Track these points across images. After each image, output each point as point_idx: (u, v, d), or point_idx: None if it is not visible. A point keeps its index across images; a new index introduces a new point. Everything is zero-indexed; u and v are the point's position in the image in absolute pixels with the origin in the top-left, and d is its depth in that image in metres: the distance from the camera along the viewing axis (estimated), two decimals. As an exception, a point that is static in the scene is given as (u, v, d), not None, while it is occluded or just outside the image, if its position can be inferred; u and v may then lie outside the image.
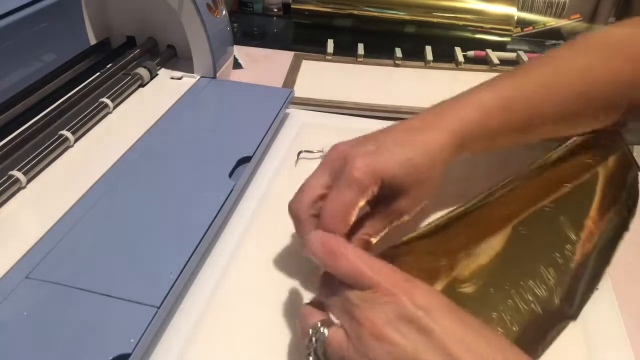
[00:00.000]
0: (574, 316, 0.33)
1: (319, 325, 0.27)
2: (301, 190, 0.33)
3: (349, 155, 0.31)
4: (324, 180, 0.32)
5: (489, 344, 0.25)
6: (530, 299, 0.33)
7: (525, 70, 0.38)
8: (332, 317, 0.28)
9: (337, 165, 0.32)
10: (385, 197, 0.32)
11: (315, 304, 0.30)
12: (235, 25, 0.82)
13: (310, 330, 0.27)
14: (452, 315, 0.25)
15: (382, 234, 0.33)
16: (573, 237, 0.36)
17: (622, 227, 0.37)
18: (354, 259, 0.27)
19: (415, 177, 0.32)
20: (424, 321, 0.24)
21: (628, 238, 0.42)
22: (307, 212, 0.31)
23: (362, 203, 0.31)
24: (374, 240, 0.33)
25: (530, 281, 0.33)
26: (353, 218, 0.31)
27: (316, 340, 0.27)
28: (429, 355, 0.24)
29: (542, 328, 0.32)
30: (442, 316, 0.25)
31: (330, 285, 0.28)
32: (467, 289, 0.33)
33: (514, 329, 0.31)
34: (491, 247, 0.35)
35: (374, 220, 0.32)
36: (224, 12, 0.54)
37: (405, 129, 0.33)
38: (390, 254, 0.33)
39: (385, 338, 0.24)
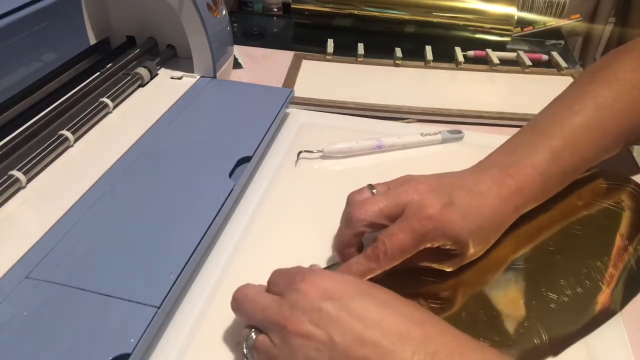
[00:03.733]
0: (555, 353, 0.32)
1: (251, 332, 0.28)
2: (365, 205, 0.33)
3: (423, 199, 0.32)
4: (389, 209, 0.33)
5: (407, 319, 0.26)
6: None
7: (572, 112, 0.39)
8: None
9: (405, 199, 0.33)
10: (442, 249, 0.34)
11: None
12: (235, 25, 0.82)
13: (243, 337, 0.28)
14: (365, 298, 0.27)
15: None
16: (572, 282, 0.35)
17: (632, 290, 0.35)
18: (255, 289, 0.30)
19: (482, 244, 0.35)
20: (332, 309, 0.26)
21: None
22: (363, 224, 0.33)
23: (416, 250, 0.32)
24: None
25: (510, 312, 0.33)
26: (404, 258, 0.32)
27: (246, 347, 0.28)
28: (342, 338, 0.25)
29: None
30: (353, 300, 0.26)
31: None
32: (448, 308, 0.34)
33: None
34: (484, 278, 0.36)
35: (431, 258, 0.35)
36: (224, 12, 0.54)
37: (475, 191, 0.34)
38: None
39: (304, 334, 0.25)
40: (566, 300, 0.34)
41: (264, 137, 0.45)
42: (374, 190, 0.35)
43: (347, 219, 0.33)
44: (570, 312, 0.34)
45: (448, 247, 0.33)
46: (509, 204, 0.35)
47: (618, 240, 0.38)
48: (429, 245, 0.32)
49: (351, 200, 0.35)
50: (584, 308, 0.34)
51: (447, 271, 0.35)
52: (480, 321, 0.33)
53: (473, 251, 0.34)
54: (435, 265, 0.35)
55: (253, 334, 0.28)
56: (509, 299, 0.34)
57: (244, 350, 0.28)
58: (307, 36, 0.79)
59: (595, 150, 0.38)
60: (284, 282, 0.29)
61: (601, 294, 0.35)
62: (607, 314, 0.34)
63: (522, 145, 0.38)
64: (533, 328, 0.33)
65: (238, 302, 0.30)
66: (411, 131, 0.51)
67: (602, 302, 0.34)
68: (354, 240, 0.34)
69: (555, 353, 0.31)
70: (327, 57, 0.68)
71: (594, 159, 0.39)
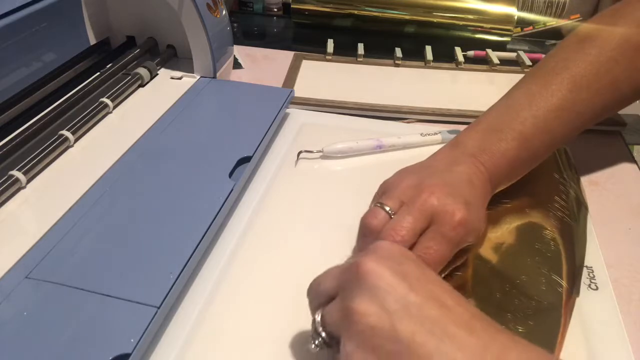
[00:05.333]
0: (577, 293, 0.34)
1: (317, 312, 0.27)
2: (396, 230, 0.31)
3: (447, 206, 0.32)
4: (421, 226, 0.32)
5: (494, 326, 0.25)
6: None
7: (543, 95, 0.38)
8: None
9: (430, 209, 0.32)
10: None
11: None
12: (235, 25, 0.82)
13: (312, 327, 0.27)
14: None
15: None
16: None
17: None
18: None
19: (484, 227, 0.35)
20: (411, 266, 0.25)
21: (629, 236, 0.42)
22: None
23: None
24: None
25: None
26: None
27: (314, 332, 0.27)
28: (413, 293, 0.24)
29: None
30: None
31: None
32: None
33: None
34: None
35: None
36: (224, 12, 0.54)
37: (466, 181, 0.34)
38: None
39: (378, 274, 0.24)
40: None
41: (264, 137, 0.45)
42: (387, 208, 0.33)
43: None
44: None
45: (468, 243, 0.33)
46: (487, 189, 0.36)
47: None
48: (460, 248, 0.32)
49: (372, 227, 0.32)
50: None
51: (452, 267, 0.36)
52: (513, 294, 0.34)
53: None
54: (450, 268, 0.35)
55: (318, 314, 0.27)
56: (517, 265, 0.36)
57: (313, 334, 0.27)
58: (307, 36, 0.79)
59: (567, 133, 0.39)
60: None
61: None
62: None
63: (493, 128, 0.38)
64: (549, 280, 0.34)
65: (315, 279, 0.29)
66: (411, 131, 0.51)
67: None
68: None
69: (577, 294, 0.35)
70: (327, 57, 0.68)
71: (564, 141, 0.39)
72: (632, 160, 0.51)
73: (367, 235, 0.33)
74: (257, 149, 0.44)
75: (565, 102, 0.37)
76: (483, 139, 0.37)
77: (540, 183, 0.43)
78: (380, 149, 0.49)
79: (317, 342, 0.27)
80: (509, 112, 0.38)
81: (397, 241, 0.30)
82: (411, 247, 0.31)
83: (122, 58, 0.54)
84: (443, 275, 0.34)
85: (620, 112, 0.54)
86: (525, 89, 0.39)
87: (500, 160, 0.36)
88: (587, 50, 0.39)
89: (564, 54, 0.40)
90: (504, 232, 0.39)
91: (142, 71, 0.53)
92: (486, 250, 0.37)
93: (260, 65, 0.68)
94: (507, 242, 0.38)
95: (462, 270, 0.36)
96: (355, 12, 0.76)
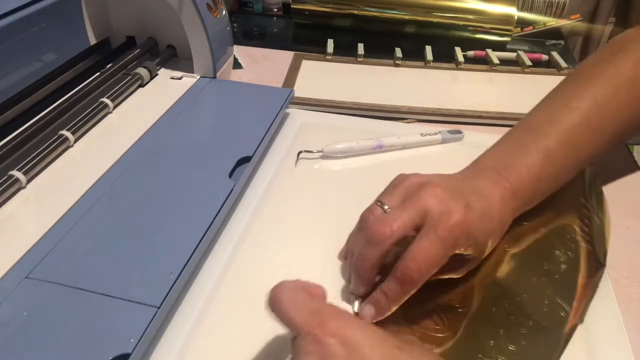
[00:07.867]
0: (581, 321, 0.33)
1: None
2: (388, 221, 0.31)
3: (445, 205, 0.31)
4: (413, 220, 0.31)
5: None
6: None
7: (567, 111, 0.38)
8: None
9: (425, 206, 0.31)
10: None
11: None
12: (235, 25, 0.82)
13: None
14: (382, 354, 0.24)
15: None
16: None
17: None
18: (285, 304, 0.26)
19: (493, 245, 0.34)
20: None
21: (628, 236, 0.42)
22: (391, 241, 0.31)
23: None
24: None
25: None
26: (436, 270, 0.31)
27: None
28: None
29: None
30: (372, 355, 0.24)
31: None
32: None
33: None
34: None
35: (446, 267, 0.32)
36: (224, 12, 0.54)
37: (483, 194, 0.33)
38: None
39: None
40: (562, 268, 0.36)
41: (264, 137, 0.45)
42: (386, 207, 0.32)
43: (371, 239, 0.31)
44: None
45: (466, 252, 0.32)
46: (508, 206, 0.34)
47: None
48: (456, 252, 0.31)
49: (368, 219, 0.32)
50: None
51: (454, 278, 0.35)
52: (509, 311, 0.34)
53: (487, 253, 0.34)
54: (445, 275, 0.34)
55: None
56: (520, 282, 0.35)
57: None
58: (307, 36, 0.79)
59: (590, 150, 0.38)
60: (303, 316, 0.26)
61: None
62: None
63: (516, 144, 0.37)
64: (552, 302, 0.34)
65: (274, 302, 0.27)
66: (411, 131, 0.51)
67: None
68: (380, 260, 0.31)
69: (581, 321, 0.33)
70: (327, 57, 0.68)
71: (589, 159, 0.39)
72: (632, 160, 0.51)
73: (362, 229, 0.33)
74: (257, 149, 0.44)
75: (586, 119, 0.37)
76: (507, 155, 0.36)
77: (564, 205, 0.41)
78: (380, 149, 0.49)
79: None
80: (531, 129, 0.38)
81: (386, 232, 0.30)
82: (405, 245, 0.31)
83: (122, 58, 0.54)
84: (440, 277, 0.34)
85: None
86: (544, 109, 0.39)
87: (526, 175, 0.35)
88: (605, 71, 0.39)
89: (579, 76, 0.40)
90: (513, 247, 0.38)
91: (142, 71, 0.53)
92: (490, 264, 0.36)
93: (260, 65, 0.68)
94: (515, 259, 0.37)
95: (461, 286, 0.35)
96: (355, 12, 0.76)
